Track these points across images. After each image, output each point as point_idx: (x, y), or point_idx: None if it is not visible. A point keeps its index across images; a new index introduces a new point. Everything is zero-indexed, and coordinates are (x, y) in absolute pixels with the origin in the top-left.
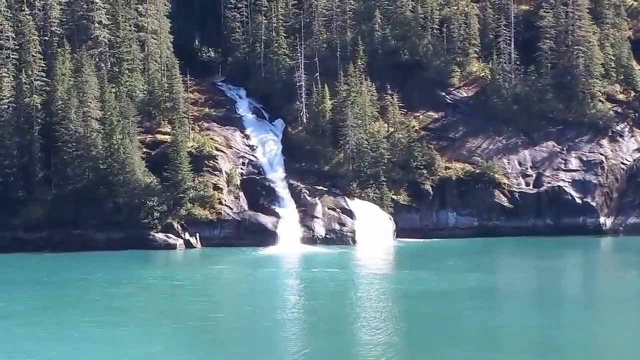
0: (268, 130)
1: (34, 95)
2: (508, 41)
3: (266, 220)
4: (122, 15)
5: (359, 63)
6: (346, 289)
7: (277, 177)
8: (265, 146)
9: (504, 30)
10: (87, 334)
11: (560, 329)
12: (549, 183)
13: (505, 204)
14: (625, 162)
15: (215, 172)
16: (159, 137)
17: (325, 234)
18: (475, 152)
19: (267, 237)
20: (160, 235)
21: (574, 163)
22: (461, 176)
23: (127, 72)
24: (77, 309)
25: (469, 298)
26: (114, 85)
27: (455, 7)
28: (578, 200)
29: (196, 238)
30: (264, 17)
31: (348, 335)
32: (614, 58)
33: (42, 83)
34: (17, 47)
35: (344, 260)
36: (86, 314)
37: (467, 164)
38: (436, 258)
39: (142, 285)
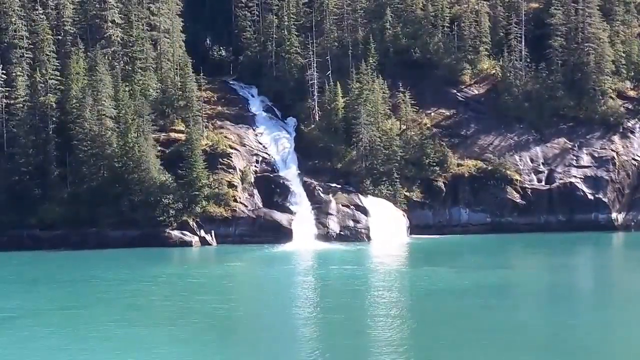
0: (281, 128)
1: (48, 94)
2: (519, 38)
3: (281, 217)
4: (135, 15)
5: (371, 61)
6: (365, 287)
7: (290, 174)
8: (278, 144)
9: (515, 27)
10: (107, 334)
11: (581, 327)
12: (560, 179)
13: (518, 201)
14: (636, 158)
15: (230, 170)
16: (173, 135)
17: (340, 231)
18: (487, 149)
19: (281, 234)
20: (175, 233)
21: (585, 159)
22: (473, 173)
23: (140, 70)
24: (95, 308)
25: (490, 295)
26: (128, 84)
27: (466, 5)
28: (590, 197)
29: (211, 235)
30: (274, 16)
31: (371, 334)
32: (624, 55)
33: (56, 82)
34: (31, 46)
35: (360, 257)
36: (104, 313)
37: (479, 161)
38: (451, 254)
39: (160, 283)
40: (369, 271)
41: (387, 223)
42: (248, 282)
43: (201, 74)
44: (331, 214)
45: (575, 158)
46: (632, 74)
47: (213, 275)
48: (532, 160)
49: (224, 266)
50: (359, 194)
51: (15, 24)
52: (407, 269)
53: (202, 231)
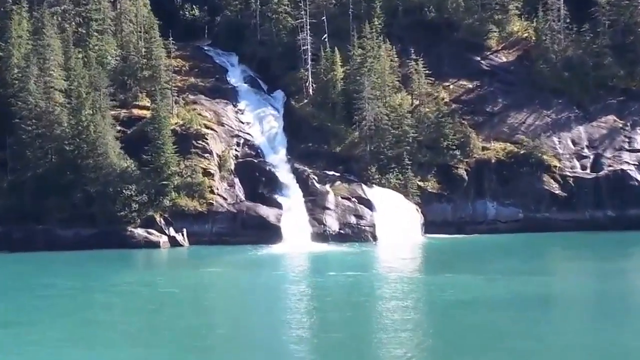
0: (266, 104)
1: None
2: None
3: (267, 212)
4: None
5: (376, 23)
6: (372, 298)
7: (278, 160)
8: (264, 123)
9: None
10: (57, 357)
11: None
12: (609, 166)
13: (557, 192)
14: None
15: (205, 155)
16: (136, 112)
17: (339, 229)
18: (519, 129)
19: (268, 233)
20: (139, 231)
21: (639, 141)
22: (502, 158)
23: (96, 34)
24: (42, 325)
25: (527, 309)
26: (81, 50)
27: None
28: None
29: (183, 234)
30: None
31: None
32: None
33: None
34: None
35: (365, 261)
36: (54, 331)
37: (509, 144)
38: (477, 258)
39: (121, 294)
40: (376, 279)
41: (396, 219)
42: (228, 293)
43: (170, 39)
44: (329, 209)
45: (627, 140)
46: None
47: (186, 284)
48: (574, 143)
49: (199, 272)
50: (363, 184)
51: None
52: (423, 276)
53: (171, 229)
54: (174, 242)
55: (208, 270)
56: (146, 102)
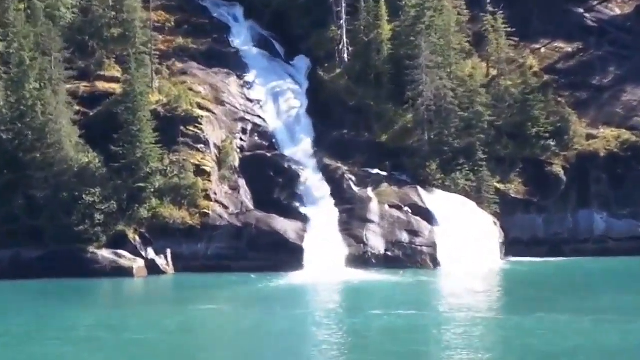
0: (284, 75)
1: None
2: None
3: (285, 227)
4: None
5: None
6: (436, 348)
7: (301, 153)
8: (281, 102)
9: None
10: None
11: None
12: None
13: None
14: None
15: (198, 146)
16: (102, 86)
17: (386, 250)
18: (639, 109)
19: (287, 255)
20: (105, 254)
21: None
22: (615, 151)
23: None
24: None
25: None
26: (23, 1)
27: None
28: None
29: (166, 257)
30: None
31: None
32: None
33: None
34: None
35: (423, 296)
36: None
37: (624, 130)
38: (581, 291)
39: (75, 341)
40: (438, 321)
41: (466, 237)
42: (226, 342)
43: None
44: (371, 222)
45: None
46: None
47: (167, 328)
48: None
49: (187, 311)
50: (419, 188)
51: None
52: (505, 318)
53: (150, 250)
54: (153, 269)
55: (200, 308)
56: (115, 71)
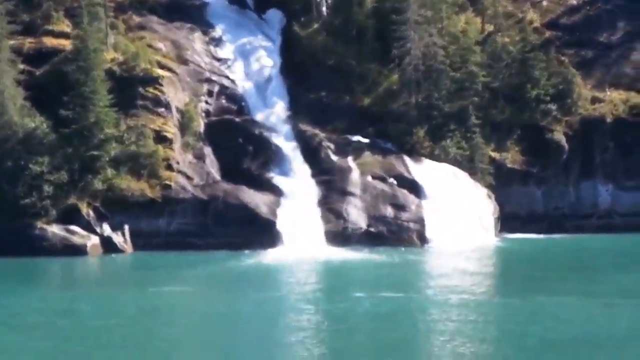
0: (255, 31)
1: None
2: None
3: (257, 200)
4: None
5: None
6: (425, 334)
7: (274, 118)
8: (251, 60)
9: None
10: None
11: None
12: None
13: None
14: None
15: (158, 110)
16: (50, 42)
17: (369, 226)
18: None
19: (258, 231)
20: (55, 230)
21: None
22: (623, 116)
23: None
24: None
25: None
26: None
27: None
28: None
29: (124, 234)
30: None
31: None
32: None
33: None
34: None
35: (410, 276)
36: None
37: (633, 93)
38: (585, 271)
39: (20, 328)
40: (428, 304)
41: (457, 211)
42: (190, 327)
43: None
44: (352, 195)
45: None
46: None
47: (126, 314)
48: None
49: (147, 294)
50: (405, 157)
51: None
52: (502, 301)
53: (106, 226)
54: (109, 246)
55: (161, 290)
56: (65, 26)
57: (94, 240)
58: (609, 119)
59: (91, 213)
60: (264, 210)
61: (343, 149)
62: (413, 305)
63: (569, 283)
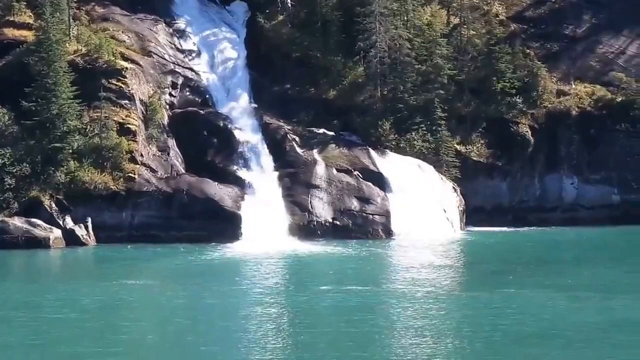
0: (219, 22)
1: None
2: None
3: (221, 193)
4: None
5: None
6: (390, 329)
7: (239, 111)
8: (216, 52)
9: None
10: None
11: None
12: None
13: None
14: None
15: (122, 102)
16: (11, 33)
17: (334, 219)
18: (615, 62)
19: (223, 224)
20: (17, 223)
21: None
22: (588, 109)
23: None
24: None
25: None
26: None
27: None
28: None
29: (87, 227)
30: None
31: None
32: None
33: None
34: None
35: (376, 270)
36: None
37: (598, 86)
38: (550, 264)
39: None
40: (395, 298)
41: (422, 205)
42: (157, 324)
43: None
44: (317, 188)
45: None
46: None
47: (88, 307)
48: None
49: (111, 288)
50: (371, 150)
51: None
52: (470, 295)
53: (68, 219)
54: (72, 240)
55: (124, 283)
56: (27, 17)
57: (57, 233)
58: (574, 112)
59: (54, 206)
60: (228, 203)
61: (308, 142)
62: (379, 299)
63: (535, 276)
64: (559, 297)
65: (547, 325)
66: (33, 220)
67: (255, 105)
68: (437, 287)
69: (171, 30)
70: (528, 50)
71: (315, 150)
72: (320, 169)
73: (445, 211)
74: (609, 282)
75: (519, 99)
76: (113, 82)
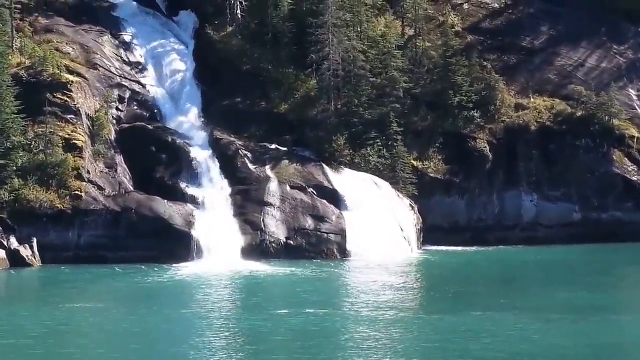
0: (167, 34)
1: None
2: None
3: (170, 211)
4: None
5: None
6: (352, 355)
7: (188, 125)
8: (164, 65)
9: None
10: None
11: None
12: None
13: (634, 179)
14: None
15: (68, 116)
16: None
17: (288, 239)
18: (575, 75)
19: (173, 244)
20: None
21: None
22: (547, 124)
23: None
24: None
25: None
26: None
27: None
28: None
29: (32, 247)
30: None
31: None
32: None
33: None
34: None
35: (332, 291)
36: None
37: (557, 100)
38: (513, 285)
39: None
40: (354, 321)
41: (378, 223)
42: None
43: None
44: (270, 205)
45: None
46: None
47: (32, 332)
48: None
49: (56, 311)
50: (325, 166)
51: None
52: (433, 318)
53: (12, 240)
54: (16, 260)
55: (70, 306)
56: None
57: (1, 254)
58: (533, 127)
59: None
60: (178, 222)
61: (260, 158)
62: (339, 323)
63: (500, 298)
64: (528, 319)
65: (517, 349)
66: None
67: (205, 120)
68: (399, 310)
69: (117, 42)
70: (485, 63)
71: (268, 167)
72: (273, 186)
73: (402, 230)
74: (574, 304)
75: (476, 113)
76: (58, 96)
